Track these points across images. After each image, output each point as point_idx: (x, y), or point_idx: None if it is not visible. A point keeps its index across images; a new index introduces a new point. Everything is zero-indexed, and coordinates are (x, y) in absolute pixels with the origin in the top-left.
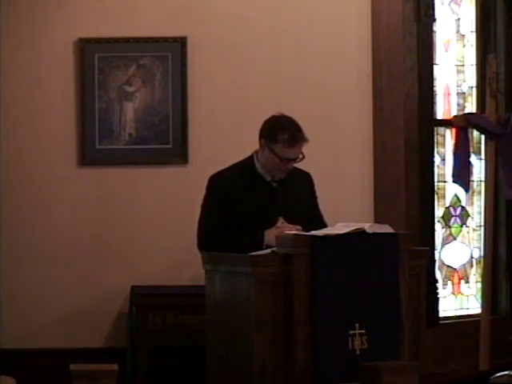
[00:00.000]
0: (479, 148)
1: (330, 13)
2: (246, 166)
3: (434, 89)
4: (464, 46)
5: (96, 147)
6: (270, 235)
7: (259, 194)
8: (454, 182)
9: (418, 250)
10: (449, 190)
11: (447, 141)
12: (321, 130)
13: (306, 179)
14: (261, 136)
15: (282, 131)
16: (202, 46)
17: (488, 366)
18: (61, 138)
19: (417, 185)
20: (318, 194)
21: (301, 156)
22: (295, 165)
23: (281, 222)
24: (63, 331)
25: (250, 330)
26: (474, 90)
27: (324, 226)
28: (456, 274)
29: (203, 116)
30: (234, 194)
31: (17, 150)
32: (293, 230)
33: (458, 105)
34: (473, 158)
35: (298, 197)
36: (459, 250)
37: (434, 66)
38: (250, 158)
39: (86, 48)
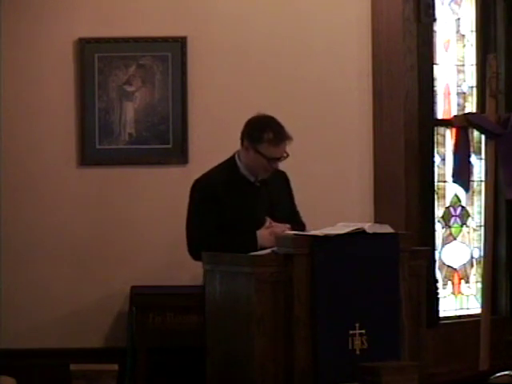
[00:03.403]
0: (479, 148)
1: (331, 13)
2: (229, 168)
3: (434, 89)
4: (464, 45)
5: (96, 147)
6: (262, 236)
7: (245, 195)
8: (453, 182)
9: (418, 250)
10: (449, 190)
11: (447, 141)
12: (321, 130)
13: (282, 178)
14: (243, 137)
15: (266, 130)
16: (202, 46)
17: (488, 366)
18: (61, 138)
19: (417, 185)
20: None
21: (285, 155)
22: None
23: (269, 221)
24: (63, 331)
25: (250, 330)
26: (474, 89)
27: (301, 223)
28: (456, 274)
29: (203, 116)
30: (220, 197)
31: (17, 150)
32: (283, 229)
33: (458, 105)
34: (473, 158)
35: (280, 195)
36: (459, 250)
37: (434, 66)
38: (232, 159)
39: (86, 48)
